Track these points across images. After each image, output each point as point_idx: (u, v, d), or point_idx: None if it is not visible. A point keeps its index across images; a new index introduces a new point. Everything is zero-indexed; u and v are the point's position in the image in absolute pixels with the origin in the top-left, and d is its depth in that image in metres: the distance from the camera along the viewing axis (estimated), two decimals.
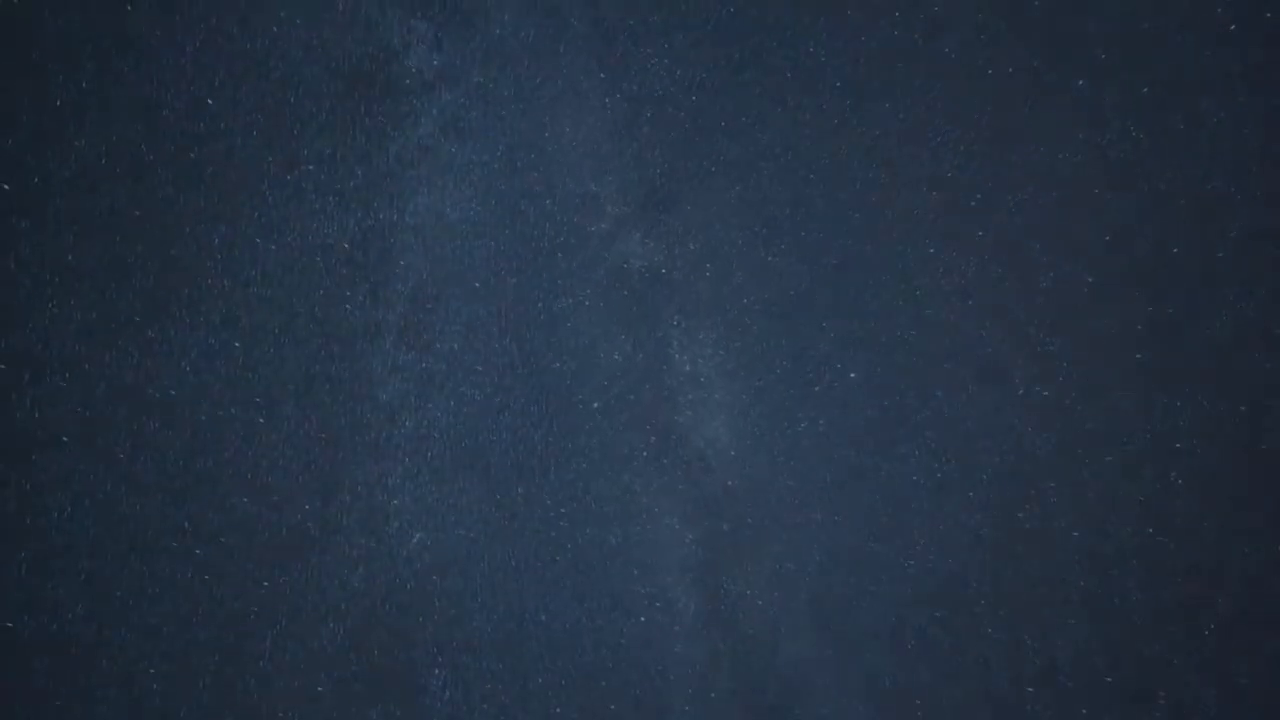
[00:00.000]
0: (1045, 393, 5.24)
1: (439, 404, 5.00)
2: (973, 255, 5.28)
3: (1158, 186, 5.21)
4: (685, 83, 4.95)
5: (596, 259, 5.03)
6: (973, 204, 5.18)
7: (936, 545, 5.38)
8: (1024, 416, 5.25)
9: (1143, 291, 5.27)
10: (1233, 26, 4.89)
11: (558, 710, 5.02)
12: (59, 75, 3.98)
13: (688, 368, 5.16)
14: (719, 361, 5.18)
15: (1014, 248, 5.31)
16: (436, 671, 5.03)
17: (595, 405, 5.08)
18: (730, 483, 5.27)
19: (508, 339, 5.01)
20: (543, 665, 5.15)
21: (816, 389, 5.22)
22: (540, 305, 5.01)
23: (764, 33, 4.98)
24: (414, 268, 4.86)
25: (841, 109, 5.09)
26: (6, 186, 3.34)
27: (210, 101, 4.17)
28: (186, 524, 4.55)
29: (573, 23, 4.82)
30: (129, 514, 4.54)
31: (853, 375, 5.23)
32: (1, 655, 4.29)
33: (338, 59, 4.47)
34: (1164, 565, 5.20)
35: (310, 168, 4.66)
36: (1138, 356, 5.13)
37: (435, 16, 4.67)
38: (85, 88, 3.76)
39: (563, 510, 5.10)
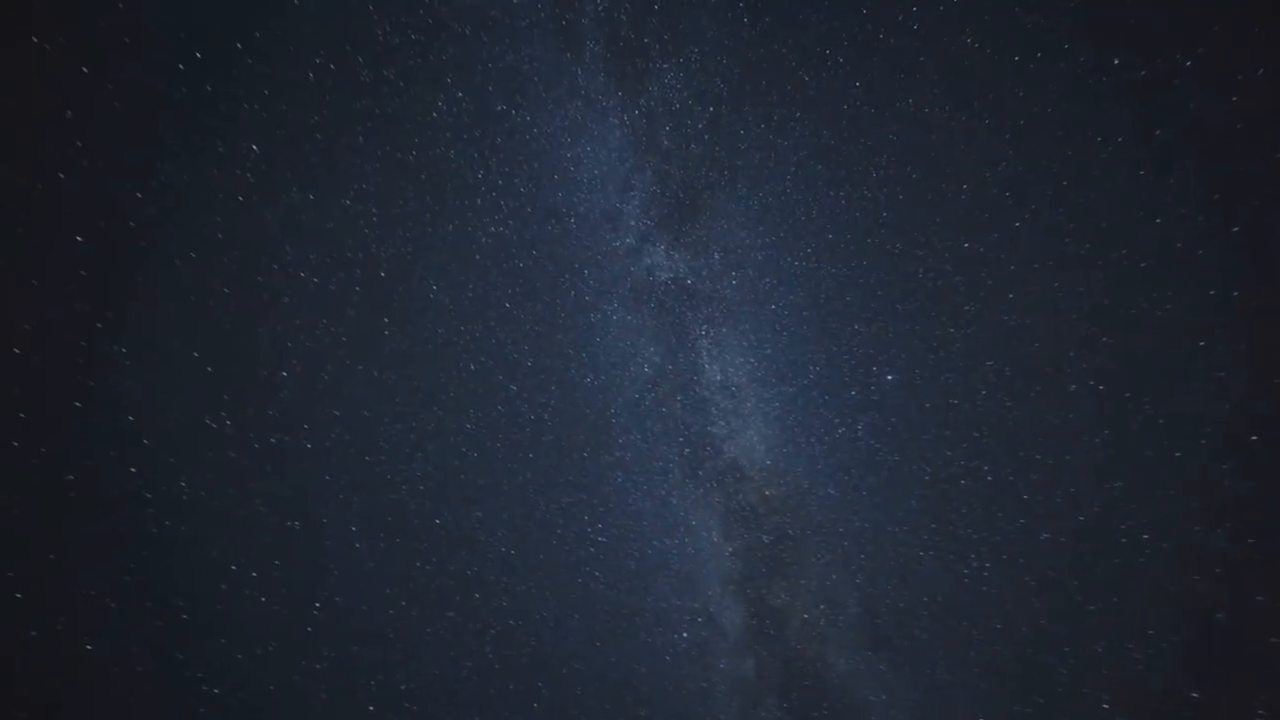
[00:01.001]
0: (1101, 387, 4.88)
1: (473, 422, 5.03)
2: (1012, 247, 5.01)
3: (1212, 168, 4.84)
4: (702, 95, 4.93)
5: (623, 273, 5.01)
6: (1008, 195, 4.93)
7: (992, 553, 5.04)
8: (1078, 413, 4.90)
9: (1205, 275, 4.87)
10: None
11: None
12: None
13: (718, 377, 5.05)
14: (750, 369, 5.05)
15: (1057, 237, 5.01)
16: (478, 687, 4.99)
17: (628, 418, 5.02)
18: (768, 493, 5.09)
19: (539, 356, 5.02)
20: (586, 682, 5.04)
21: (853, 393, 5.02)
22: (569, 321, 5.01)
23: (779, 40, 4.91)
24: (447, 289, 4.94)
25: (864, 108, 4.95)
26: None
27: None
28: None
29: (590, 46, 4.88)
30: None
31: (890, 378, 5.00)
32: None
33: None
34: (1250, 570, 4.71)
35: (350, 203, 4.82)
36: (1201, 344, 4.72)
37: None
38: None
39: (599, 525, 5.03)
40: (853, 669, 4.86)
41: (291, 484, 4.88)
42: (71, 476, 4.63)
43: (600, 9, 4.73)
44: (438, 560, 4.98)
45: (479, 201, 4.86)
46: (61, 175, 4.48)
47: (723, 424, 4.99)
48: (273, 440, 4.81)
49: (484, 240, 4.90)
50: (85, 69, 4.44)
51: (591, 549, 4.89)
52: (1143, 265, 4.77)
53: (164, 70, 4.49)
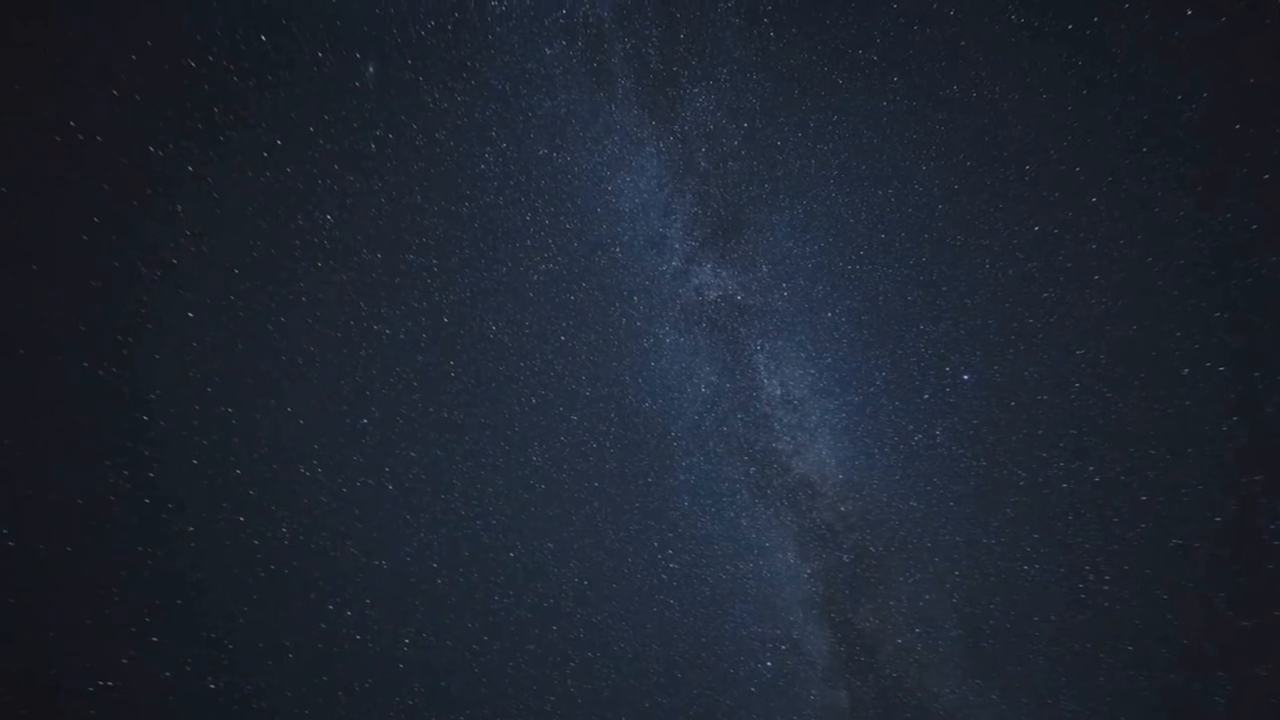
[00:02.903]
0: (1221, 368, 4.11)
1: (538, 454, 4.91)
2: (1092, 224, 4.39)
3: None
4: (735, 112, 4.74)
5: (671, 296, 4.81)
6: (1078, 169, 4.35)
7: (1111, 564, 4.29)
8: (1196, 399, 4.13)
9: None
10: None
11: None
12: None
13: (779, 391, 4.68)
14: (811, 381, 4.65)
15: (1145, 207, 4.35)
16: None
17: (689, 441, 4.73)
18: (843, 509, 4.61)
19: (597, 385, 4.87)
20: (670, 716, 4.66)
21: (925, 397, 4.49)
22: (623, 348, 4.84)
23: (808, 48, 4.66)
24: (505, 328, 4.92)
25: (905, 102, 4.57)
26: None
27: None
28: None
29: (622, 82, 4.83)
30: None
31: (966, 377, 4.45)
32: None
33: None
34: None
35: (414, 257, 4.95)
36: None
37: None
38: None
39: (669, 552, 4.72)
40: (960, 699, 4.21)
41: (377, 525, 4.93)
42: (191, 528, 4.88)
43: (629, 46, 4.69)
44: (514, 594, 4.83)
45: (529, 242, 4.85)
46: (175, 261, 4.86)
47: (788, 439, 4.60)
48: (358, 483, 4.90)
49: (536, 278, 4.87)
50: (190, 168, 4.83)
51: (664, 576, 4.58)
52: (1254, 227, 4.02)
53: (252, 161, 4.83)
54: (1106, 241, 4.24)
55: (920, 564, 4.27)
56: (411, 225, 4.90)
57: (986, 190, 4.39)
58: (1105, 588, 4.08)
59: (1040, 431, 4.21)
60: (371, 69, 4.81)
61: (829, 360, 4.51)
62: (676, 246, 4.84)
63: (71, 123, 4.48)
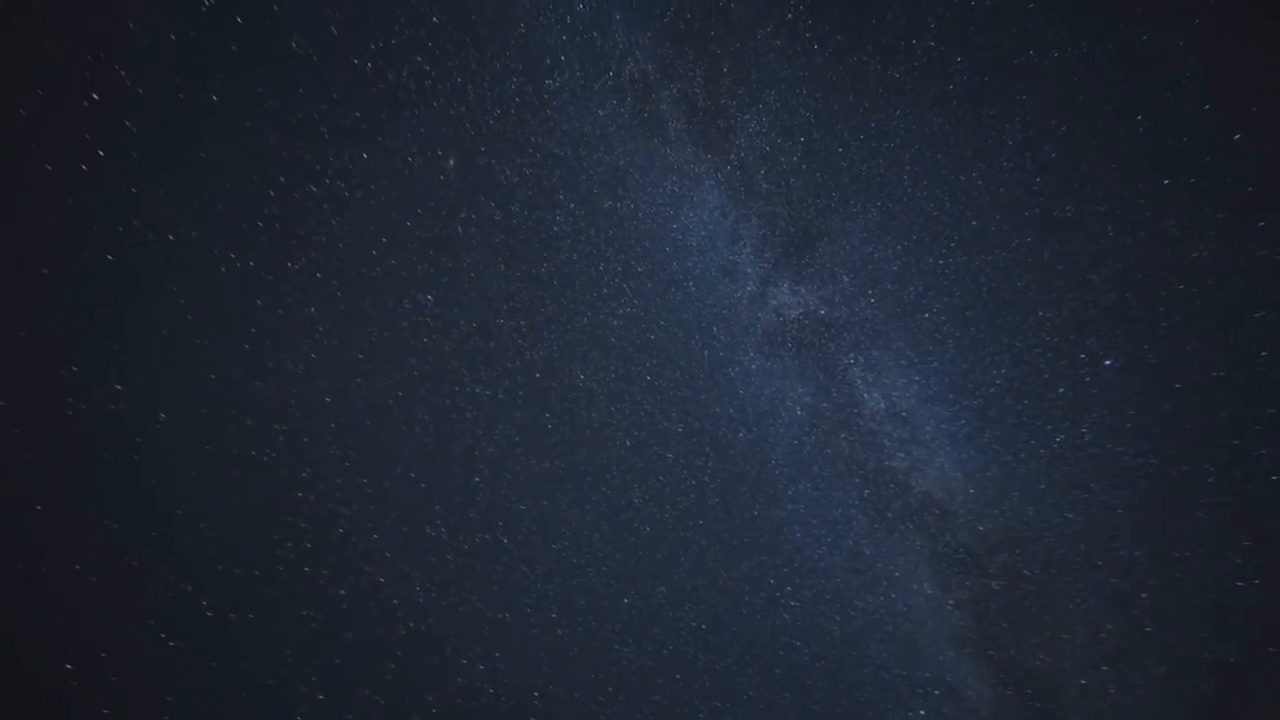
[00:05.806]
0: None
1: (639, 496, 4.48)
2: (1242, 169, 3.40)
3: None
4: (790, 129, 4.30)
5: (751, 321, 4.34)
6: (1207, 108, 3.42)
7: None
8: None
9: None
10: None
11: None
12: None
13: (882, 405, 3.97)
14: (918, 389, 3.90)
15: None
16: None
17: (792, 467, 4.10)
18: (981, 528, 3.71)
19: (689, 421, 4.40)
20: None
21: (1061, 390, 3.59)
22: (710, 381, 4.36)
23: (857, 51, 4.16)
24: (593, 375, 4.65)
25: (974, 79, 3.89)
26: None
27: None
28: None
29: (673, 125, 4.56)
30: None
31: (1108, 362, 3.51)
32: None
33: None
34: None
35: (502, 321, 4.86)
36: None
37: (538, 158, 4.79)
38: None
39: (788, 588, 4.04)
40: None
41: (497, 578, 4.70)
42: (343, 591, 4.90)
43: (675, 91, 4.44)
44: (633, 641, 4.35)
45: (604, 290, 4.62)
46: (313, 356, 5.08)
47: (901, 455, 3.84)
48: (477, 539, 4.73)
49: (615, 324, 4.60)
50: (319, 275, 5.10)
51: (785, 615, 3.91)
52: None
53: (365, 259, 5.02)
54: (1266, 184, 3.23)
55: (1093, 587, 3.28)
56: (499, 292, 4.85)
57: (1092, 151, 3.55)
58: None
59: (1223, 415, 3.16)
60: (452, 161, 4.92)
61: (934, 364, 3.75)
62: (749, 271, 4.39)
63: (231, 255, 4.88)
